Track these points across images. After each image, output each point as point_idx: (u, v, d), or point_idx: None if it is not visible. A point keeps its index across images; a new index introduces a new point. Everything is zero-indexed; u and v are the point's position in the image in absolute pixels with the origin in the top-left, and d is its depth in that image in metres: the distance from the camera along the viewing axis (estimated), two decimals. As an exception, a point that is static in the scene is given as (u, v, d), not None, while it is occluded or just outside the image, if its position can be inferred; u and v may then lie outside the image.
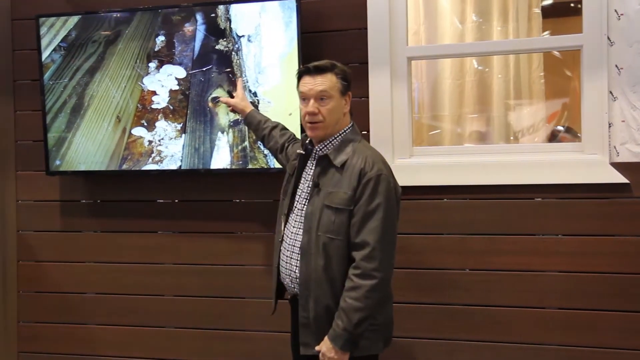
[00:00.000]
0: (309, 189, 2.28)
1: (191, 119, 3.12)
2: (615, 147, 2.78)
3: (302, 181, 2.33)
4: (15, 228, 3.51)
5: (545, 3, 3.83)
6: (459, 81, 3.65)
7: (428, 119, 3.82)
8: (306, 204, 2.27)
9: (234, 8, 3.03)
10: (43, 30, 3.25)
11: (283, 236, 2.35)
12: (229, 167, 3.09)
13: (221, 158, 3.09)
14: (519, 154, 2.94)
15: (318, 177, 2.24)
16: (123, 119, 3.20)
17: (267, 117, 2.74)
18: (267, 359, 3.20)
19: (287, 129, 2.71)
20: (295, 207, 2.32)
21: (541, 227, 2.87)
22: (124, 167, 3.22)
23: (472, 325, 2.95)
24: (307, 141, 2.35)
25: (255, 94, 3.02)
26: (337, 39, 3.07)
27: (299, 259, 2.25)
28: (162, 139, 3.16)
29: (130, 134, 3.20)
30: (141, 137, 3.19)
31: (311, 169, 2.31)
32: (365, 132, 3.03)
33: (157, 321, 3.34)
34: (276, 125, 2.71)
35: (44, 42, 3.26)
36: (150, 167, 3.19)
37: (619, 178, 2.76)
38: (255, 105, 3.02)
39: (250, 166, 3.06)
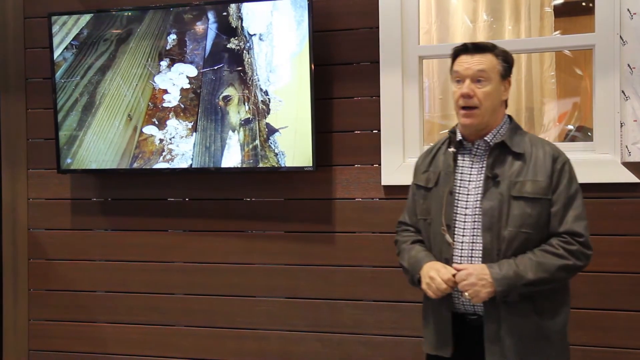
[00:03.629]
0: (479, 187, 2.02)
1: (202, 118, 3.13)
2: (627, 147, 2.77)
3: (458, 184, 2.06)
4: (26, 226, 3.51)
5: (557, 2, 3.83)
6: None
7: (439, 117, 3.82)
8: (478, 201, 2.00)
9: (246, 6, 3.03)
10: (55, 28, 3.26)
11: (453, 252, 2.02)
12: (239, 165, 3.10)
13: (232, 157, 3.10)
14: (530, 153, 2.93)
15: (492, 168, 2.00)
16: (134, 117, 3.21)
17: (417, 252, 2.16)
18: (278, 358, 3.20)
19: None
20: (457, 213, 2.04)
21: (552, 226, 2.86)
22: (135, 165, 3.23)
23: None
24: (458, 138, 2.10)
25: (266, 93, 3.02)
26: (348, 37, 3.07)
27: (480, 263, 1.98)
28: (173, 137, 3.17)
29: (141, 132, 3.21)
30: (152, 136, 3.20)
31: (469, 167, 2.06)
32: (376, 131, 3.04)
33: (167, 319, 3.35)
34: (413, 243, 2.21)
35: (56, 41, 3.27)
36: (161, 165, 3.20)
37: (630, 178, 2.75)
38: (266, 104, 3.02)
39: (261, 165, 3.07)
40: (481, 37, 3.60)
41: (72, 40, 3.26)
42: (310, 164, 2.99)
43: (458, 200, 2.05)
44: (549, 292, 1.98)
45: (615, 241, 2.80)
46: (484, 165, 2.03)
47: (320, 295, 3.13)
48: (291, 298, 3.17)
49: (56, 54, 3.28)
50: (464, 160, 2.08)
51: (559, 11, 3.78)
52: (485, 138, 2.04)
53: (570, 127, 4.05)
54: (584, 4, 3.81)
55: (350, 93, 3.08)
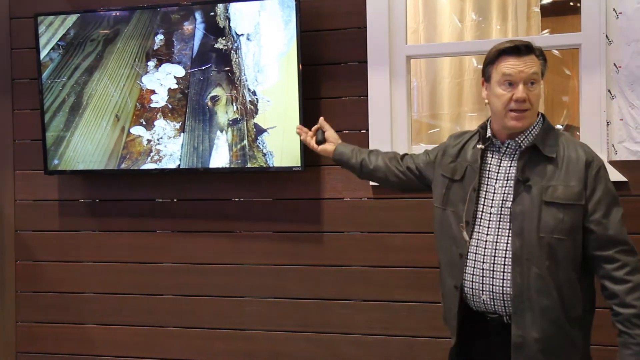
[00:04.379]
0: (506, 187, 1.98)
1: (190, 118, 3.12)
2: (613, 146, 2.79)
3: (484, 181, 2.03)
4: (13, 228, 3.49)
5: (544, 1, 3.85)
6: (458, 80, 3.66)
7: (427, 117, 3.83)
8: (503, 205, 1.97)
9: (233, 6, 3.03)
10: (41, 28, 3.24)
11: (468, 249, 2.02)
12: (227, 166, 3.09)
13: (220, 157, 3.09)
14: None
15: (523, 172, 1.95)
16: (122, 117, 3.20)
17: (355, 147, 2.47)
18: (267, 358, 3.20)
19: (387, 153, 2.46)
20: (482, 211, 2.01)
21: (540, 225, 2.87)
22: (123, 166, 3.21)
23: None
24: (488, 135, 2.06)
25: (254, 93, 3.02)
26: (336, 37, 3.07)
27: (508, 270, 1.94)
28: (161, 138, 3.16)
29: (129, 133, 3.20)
30: (140, 136, 3.19)
31: (497, 165, 2.02)
32: (364, 131, 3.04)
33: (156, 321, 3.34)
34: (371, 151, 2.45)
35: (42, 41, 3.25)
36: (149, 166, 3.19)
37: (617, 176, 2.77)
38: (254, 104, 3.02)
39: (249, 165, 3.06)
40: (469, 37, 3.61)
41: (59, 40, 3.24)
42: (299, 164, 2.99)
43: (483, 198, 2.02)
44: (583, 298, 1.96)
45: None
46: (513, 165, 1.99)
47: (309, 295, 3.14)
48: (280, 298, 3.17)
49: (43, 54, 3.25)
50: (492, 157, 2.04)
51: (546, 11, 3.81)
52: (516, 138, 1.99)
53: (559, 126, 4.09)
54: (571, 3, 3.84)
55: (338, 93, 3.08)
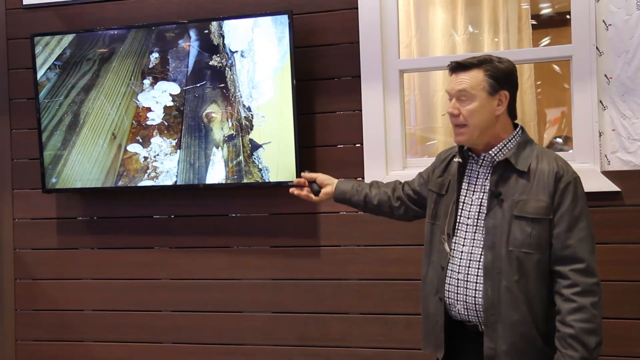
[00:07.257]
0: (481, 200, 2.01)
1: (186, 135, 3.14)
2: (606, 156, 2.81)
3: (463, 193, 2.07)
4: (12, 246, 3.51)
5: (535, 14, 3.89)
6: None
7: (422, 130, 3.85)
8: (479, 217, 2.00)
9: (227, 24, 3.06)
10: (38, 49, 3.27)
11: (449, 260, 2.05)
12: (224, 181, 3.11)
13: (216, 173, 3.11)
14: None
15: (496, 186, 1.97)
16: (118, 135, 3.22)
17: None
18: (265, 372, 3.21)
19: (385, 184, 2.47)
20: (460, 222, 2.05)
21: (535, 236, 2.88)
22: (120, 183, 3.23)
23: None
24: (464, 148, 2.09)
25: (249, 109, 3.04)
26: (329, 52, 3.10)
27: (481, 281, 1.97)
28: (158, 155, 3.18)
29: (125, 150, 3.22)
30: (136, 154, 3.21)
31: (475, 177, 2.05)
32: (359, 145, 3.06)
33: (155, 337, 3.34)
34: (372, 185, 2.44)
35: (39, 61, 3.28)
36: (145, 183, 3.21)
37: (610, 186, 2.78)
38: (249, 120, 3.04)
39: (245, 180, 3.08)
40: (461, 50, 3.64)
41: (55, 60, 3.27)
42: (294, 179, 3.00)
43: (462, 209, 2.06)
44: (554, 312, 1.95)
45: (597, 250, 2.79)
46: (488, 178, 2.01)
47: (307, 309, 3.14)
48: (278, 313, 3.18)
49: (39, 74, 3.28)
50: (471, 170, 2.08)
51: (538, 23, 3.84)
52: (490, 152, 2.02)
53: (559, 139, 4.13)
54: (561, 16, 3.87)
55: (332, 107, 3.10)
